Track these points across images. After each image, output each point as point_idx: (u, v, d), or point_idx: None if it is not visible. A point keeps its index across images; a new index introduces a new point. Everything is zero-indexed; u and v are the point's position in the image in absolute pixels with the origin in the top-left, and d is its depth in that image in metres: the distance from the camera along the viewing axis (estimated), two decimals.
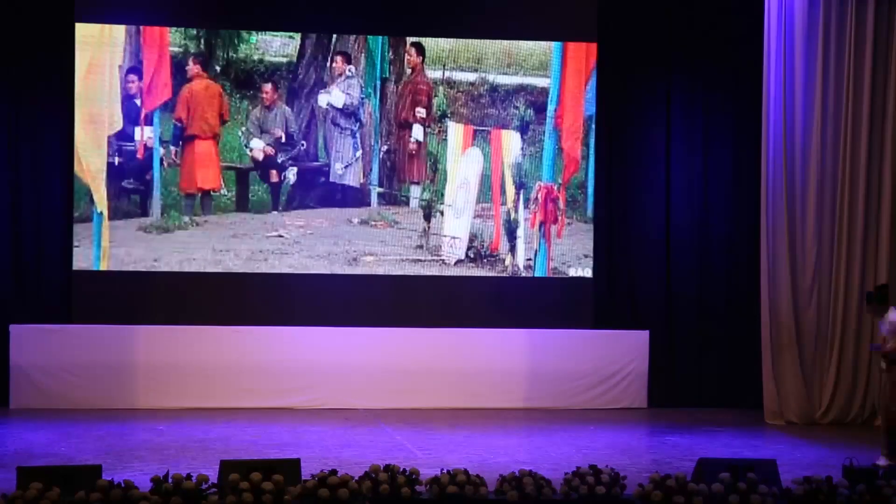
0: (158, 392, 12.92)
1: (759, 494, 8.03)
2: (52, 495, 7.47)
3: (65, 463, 9.32)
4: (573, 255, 14.02)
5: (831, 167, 12.94)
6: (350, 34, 13.71)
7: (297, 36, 13.66)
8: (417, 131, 13.83)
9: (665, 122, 14.08)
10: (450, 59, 13.91)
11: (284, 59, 13.65)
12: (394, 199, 13.84)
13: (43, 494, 7.45)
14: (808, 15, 12.84)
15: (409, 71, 13.84)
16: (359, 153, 13.77)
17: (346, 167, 13.76)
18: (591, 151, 14.00)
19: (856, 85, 12.82)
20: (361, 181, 13.79)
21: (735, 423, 12.61)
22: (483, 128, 13.95)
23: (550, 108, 13.98)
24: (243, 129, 13.59)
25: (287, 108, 13.65)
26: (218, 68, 13.53)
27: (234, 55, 13.56)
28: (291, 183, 13.67)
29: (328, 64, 13.69)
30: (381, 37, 13.76)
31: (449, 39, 13.89)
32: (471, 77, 13.93)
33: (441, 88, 13.87)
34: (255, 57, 13.61)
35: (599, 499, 8.05)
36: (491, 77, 13.93)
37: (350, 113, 13.73)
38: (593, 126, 13.99)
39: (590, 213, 14.02)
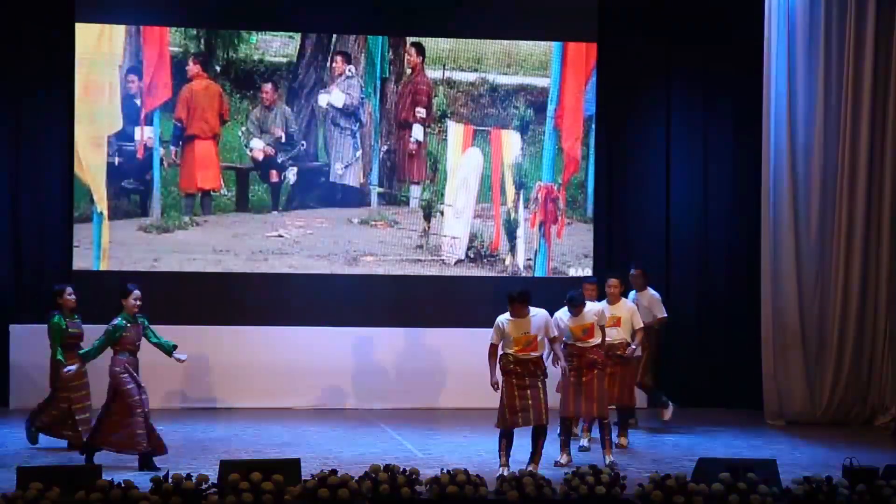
0: (159, 392, 12.89)
1: (759, 494, 8.04)
2: (52, 495, 7.47)
3: (65, 463, 9.31)
4: (573, 254, 14.01)
5: (833, 165, 12.89)
6: (350, 34, 13.71)
7: (297, 36, 13.65)
8: (417, 131, 13.82)
9: (665, 122, 14.09)
10: (450, 59, 13.90)
11: (284, 59, 13.64)
12: (394, 199, 13.83)
13: (43, 494, 7.46)
14: (809, 14, 12.82)
15: (409, 71, 13.83)
16: (359, 153, 13.76)
17: (346, 167, 13.75)
18: (591, 151, 13.99)
19: (856, 84, 12.79)
20: (361, 181, 13.78)
21: (735, 423, 12.60)
22: (483, 128, 13.94)
23: (550, 108, 13.98)
24: (243, 129, 13.58)
25: (287, 108, 13.64)
26: (218, 68, 13.52)
27: (234, 55, 13.55)
28: (291, 183, 13.66)
29: (328, 64, 13.68)
30: (381, 37, 13.75)
31: (449, 39, 13.89)
32: (471, 77, 13.92)
33: (441, 88, 13.86)
34: (255, 57, 13.60)
35: (599, 499, 8.05)
36: (491, 77, 13.92)
37: (350, 113, 13.72)
38: (593, 126, 13.99)
39: (590, 213, 14.01)
